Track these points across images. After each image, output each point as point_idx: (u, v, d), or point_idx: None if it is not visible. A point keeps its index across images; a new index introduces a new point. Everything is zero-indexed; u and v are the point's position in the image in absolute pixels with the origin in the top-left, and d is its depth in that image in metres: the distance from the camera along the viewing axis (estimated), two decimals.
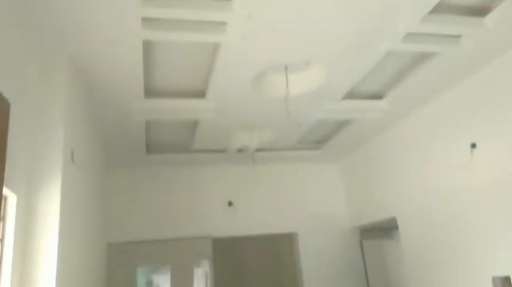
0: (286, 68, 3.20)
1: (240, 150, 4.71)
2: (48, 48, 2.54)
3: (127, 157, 4.68)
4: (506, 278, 3.00)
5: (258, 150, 4.74)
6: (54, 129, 2.47)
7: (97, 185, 4.05)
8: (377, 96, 3.88)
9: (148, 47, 2.75)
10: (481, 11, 2.72)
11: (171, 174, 5.12)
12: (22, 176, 2.25)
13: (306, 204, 5.37)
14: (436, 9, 2.56)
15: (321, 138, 4.96)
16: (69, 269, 2.62)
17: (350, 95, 3.74)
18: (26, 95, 2.30)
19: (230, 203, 5.09)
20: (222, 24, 2.51)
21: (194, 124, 4.08)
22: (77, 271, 2.90)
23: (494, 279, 3.12)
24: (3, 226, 2.10)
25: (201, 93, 3.46)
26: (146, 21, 2.40)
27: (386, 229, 5.28)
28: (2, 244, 2.07)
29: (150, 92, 3.34)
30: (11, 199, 2.13)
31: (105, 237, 4.61)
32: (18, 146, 2.16)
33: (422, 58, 3.24)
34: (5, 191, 1.98)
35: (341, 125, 4.51)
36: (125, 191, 4.95)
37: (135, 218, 4.86)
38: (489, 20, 2.70)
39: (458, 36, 2.89)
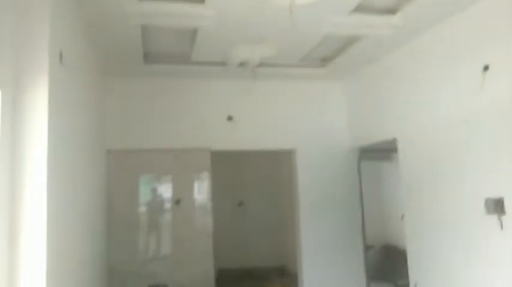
0: None
1: (241, 64, 4.54)
2: None
3: (124, 65, 4.55)
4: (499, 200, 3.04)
5: (259, 65, 4.58)
6: (40, 25, 2.34)
7: (93, 91, 3.99)
8: (390, 11, 3.61)
9: None
10: None
11: (171, 85, 5.03)
12: (7, 71, 2.18)
13: (306, 122, 5.32)
14: None
15: (326, 56, 4.75)
16: (61, 166, 2.66)
17: (360, 8, 3.48)
18: None
19: (230, 118, 5.05)
20: None
21: (193, 33, 3.88)
22: (70, 171, 2.94)
23: (487, 201, 3.17)
24: None
25: None
26: None
27: (385, 151, 5.27)
28: None
29: None
30: None
31: (105, 144, 4.66)
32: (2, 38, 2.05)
33: None
34: None
35: (348, 42, 4.28)
36: (124, 100, 4.90)
37: (135, 127, 4.87)
38: None
39: None
